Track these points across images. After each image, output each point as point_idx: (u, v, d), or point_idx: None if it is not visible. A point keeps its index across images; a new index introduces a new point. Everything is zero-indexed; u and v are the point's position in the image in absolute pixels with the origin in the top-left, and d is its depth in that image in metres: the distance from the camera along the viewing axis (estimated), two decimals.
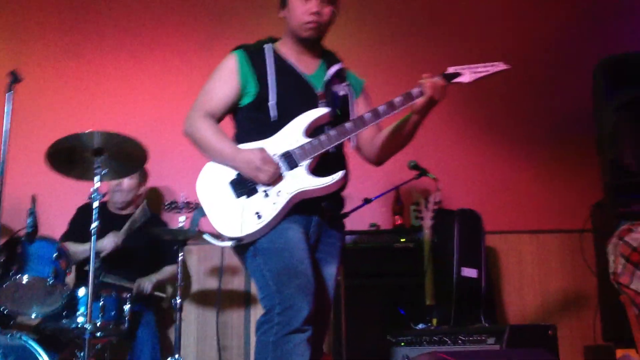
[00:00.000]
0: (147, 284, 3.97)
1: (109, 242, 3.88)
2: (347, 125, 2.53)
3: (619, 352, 3.57)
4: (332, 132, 2.52)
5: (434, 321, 3.70)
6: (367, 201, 3.87)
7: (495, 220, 4.37)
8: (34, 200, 3.23)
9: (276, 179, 2.45)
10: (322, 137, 2.50)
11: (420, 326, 3.67)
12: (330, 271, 2.62)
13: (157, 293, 4.05)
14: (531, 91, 4.73)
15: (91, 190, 3.16)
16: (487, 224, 4.17)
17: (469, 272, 4.02)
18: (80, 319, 3.37)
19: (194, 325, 4.47)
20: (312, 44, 2.67)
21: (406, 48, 4.78)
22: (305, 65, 2.66)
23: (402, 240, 4.17)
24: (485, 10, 4.87)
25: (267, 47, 2.64)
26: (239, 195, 2.47)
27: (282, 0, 2.63)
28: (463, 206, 4.21)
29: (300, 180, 2.48)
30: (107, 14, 4.95)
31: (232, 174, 2.50)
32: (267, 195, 2.46)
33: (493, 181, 4.62)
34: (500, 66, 2.59)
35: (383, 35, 4.86)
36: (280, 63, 2.62)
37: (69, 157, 3.22)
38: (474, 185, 4.60)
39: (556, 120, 4.68)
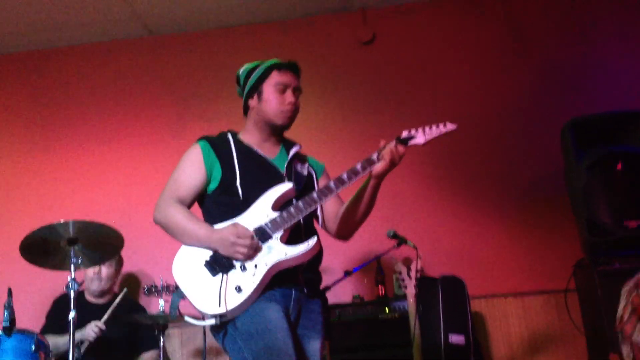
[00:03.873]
0: None
1: (92, 329, 3.78)
2: (315, 194, 2.57)
3: None
4: (301, 203, 2.56)
5: None
6: (348, 273, 3.86)
7: (478, 285, 4.37)
8: (9, 293, 3.17)
9: (253, 252, 2.45)
10: (291, 209, 2.54)
11: None
12: (314, 347, 2.59)
13: None
14: (504, 155, 4.80)
15: (68, 279, 3.13)
16: (471, 289, 4.16)
17: (457, 339, 3.98)
18: None
19: None
20: (277, 132, 2.75)
21: (373, 117, 4.87)
22: (267, 150, 2.74)
23: (386, 310, 4.13)
24: (453, 75, 4.99)
25: (229, 136, 2.74)
26: (215, 274, 2.46)
27: (256, 91, 2.71)
28: (445, 272, 4.20)
29: (275, 252, 2.49)
30: (75, 105, 5.06)
31: (206, 255, 2.50)
32: (244, 269, 2.46)
33: (473, 246, 4.62)
34: (449, 126, 2.63)
35: (345, 109, 4.96)
36: (243, 148, 2.70)
37: (43, 248, 3.21)
38: (455, 251, 4.60)
39: (530, 182, 4.72)
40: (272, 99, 2.68)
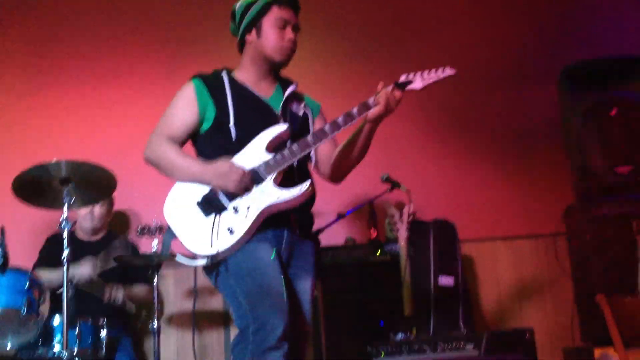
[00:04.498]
0: (119, 293, 3.94)
1: (85, 271, 3.83)
2: (309, 138, 2.56)
3: (597, 352, 3.59)
4: (295, 146, 2.55)
5: (414, 330, 3.70)
6: (340, 216, 3.88)
7: (469, 229, 4.40)
8: (2, 231, 3.19)
9: (245, 190, 2.47)
10: (285, 152, 2.53)
11: (400, 336, 3.67)
12: (305, 286, 2.63)
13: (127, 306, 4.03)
14: (498, 98, 4.77)
15: (61, 219, 3.14)
16: (462, 232, 4.20)
17: (446, 281, 4.05)
18: (56, 348, 3.31)
19: (174, 347, 4.44)
20: (274, 69, 2.73)
21: (371, 60, 4.80)
22: (262, 89, 2.71)
23: (378, 253, 4.18)
24: (450, 19, 4.92)
25: (224, 74, 2.70)
26: (208, 214, 2.48)
27: (255, 26, 2.67)
28: (437, 216, 4.23)
29: (268, 195, 2.50)
30: (68, 45, 4.95)
31: (199, 195, 2.51)
32: (236, 211, 2.47)
33: (465, 190, 4.64)
34: (447, 71, 2.59)
35: (344, 53, 4.88)
36: (238, 87, 2.67)
37: (35, 187, 3.20)
38: (447, 195, 4.62)
39: (524, 126, 4.72)
40: (271, 35, 2.64)
